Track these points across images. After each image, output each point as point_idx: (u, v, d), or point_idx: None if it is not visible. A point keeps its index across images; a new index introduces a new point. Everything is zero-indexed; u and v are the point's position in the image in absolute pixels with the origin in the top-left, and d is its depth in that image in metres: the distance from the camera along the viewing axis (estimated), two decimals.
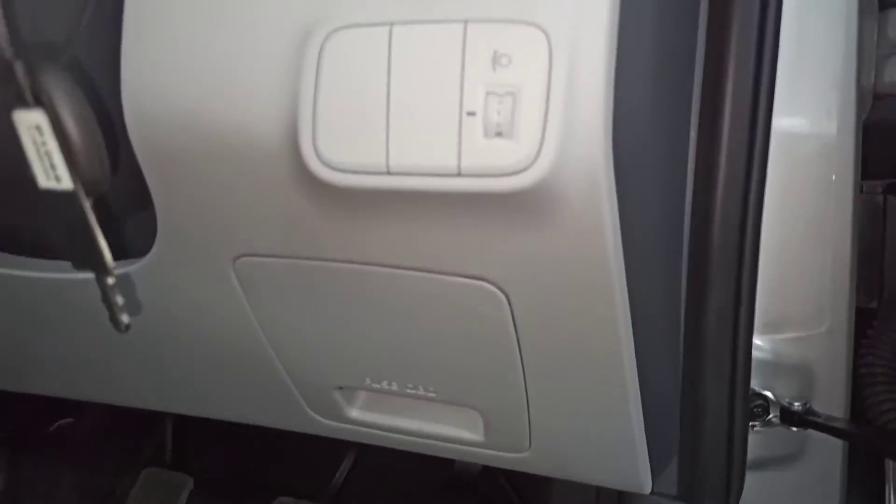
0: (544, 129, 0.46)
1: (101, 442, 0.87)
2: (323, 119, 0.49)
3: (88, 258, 0.50)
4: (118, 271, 0.64)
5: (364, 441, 0.79)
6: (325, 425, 0.78)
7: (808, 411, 0.75)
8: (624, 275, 0.54)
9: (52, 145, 0.45)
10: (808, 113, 0.69)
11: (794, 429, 0.75)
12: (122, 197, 0.61)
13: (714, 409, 0.71)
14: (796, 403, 0.75)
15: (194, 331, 0.69)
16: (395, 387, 0.69)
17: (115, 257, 0.63)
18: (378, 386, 0.70)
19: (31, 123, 0.45)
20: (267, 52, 0.50)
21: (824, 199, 0.71)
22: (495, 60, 0.45)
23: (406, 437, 0.75)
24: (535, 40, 0.45)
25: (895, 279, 0.80)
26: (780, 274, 0.73)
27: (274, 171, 0.53)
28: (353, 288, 0.60)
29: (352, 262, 0.58)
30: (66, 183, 0.46)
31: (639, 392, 0.63)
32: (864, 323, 0.80)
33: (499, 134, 0.46)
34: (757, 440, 0.78)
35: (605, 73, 0.45)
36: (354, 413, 0.76)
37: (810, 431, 0.73)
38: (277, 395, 0.75)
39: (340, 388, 0.73)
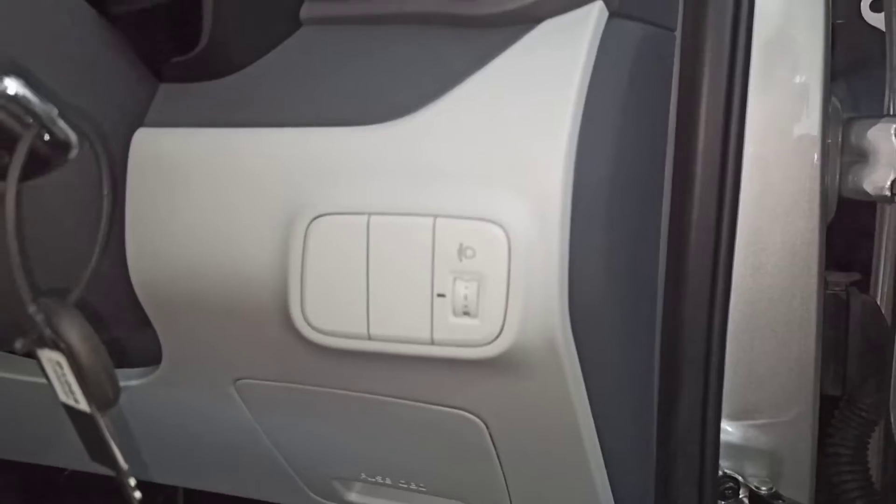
0: (506, 310, 0.52)
1: (111, 489, 0.94)
2: (310, 290, 0.55)
3: (105, 457, 0.57)
4: (134, 382, 0.71)
5: None
6: None
7: (774, 495, 0.80)
8: (588, 409, 0.60)
9: (71, 378, 0.52)
10: (774, 215, 0.73)
11: None
12: (135, 317, 0.68)
13: (685, 491, 0.77)
14: (763, 487, 0.80)
15: (203, 431, 0.76)
16: (388, 481, 0.76)
17: (133, 363, 0.70)
18: (373, 480, 0.76)
19: (52, 359, 0.52)
20: (259, 230, 0.57)
21: (790, 296, 0.75)
22: (461, 252, 0.51)
23: None
24: (495, 236, 0.51)
25: (858, 369, 0.85)
26: (749, 365, 0.78)
27: (267, 323, 0.59)
28: (344, 409, 0.66)
29: (342, 390, 0.64)
30: (83, 406, 0.54)
31: (609, 489, 0.69)
32: (831, 409, 0.84)
33: (466, 313, 0.52)
34: None
35: (559, 261, 0.51)
36: (353, 497, 0.82)
37: None
38: (280, 479, 0.81)
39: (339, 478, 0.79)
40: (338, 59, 0.60)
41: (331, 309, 0.55)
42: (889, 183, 0.74)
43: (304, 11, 0.62)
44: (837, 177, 0.76)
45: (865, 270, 0.88)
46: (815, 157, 0.70)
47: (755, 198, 0.71)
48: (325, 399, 0.66)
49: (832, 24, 0.70)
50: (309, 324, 0.56)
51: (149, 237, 0.60)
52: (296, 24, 0.62)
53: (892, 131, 0.73)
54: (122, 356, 0.72)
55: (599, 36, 0.56)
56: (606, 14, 0.56)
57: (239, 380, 0.67)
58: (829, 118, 0.71)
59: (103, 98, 0.60)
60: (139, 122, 0.61)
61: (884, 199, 0.74)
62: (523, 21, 0.56)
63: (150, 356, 0.71)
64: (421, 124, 0.55)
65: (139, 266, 0.61)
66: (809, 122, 0.69)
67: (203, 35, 0.57)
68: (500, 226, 0.51)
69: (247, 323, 0.60)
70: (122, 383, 0.69)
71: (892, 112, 0.81)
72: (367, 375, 0.61)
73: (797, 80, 0.69)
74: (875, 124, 0.74)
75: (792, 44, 0.68)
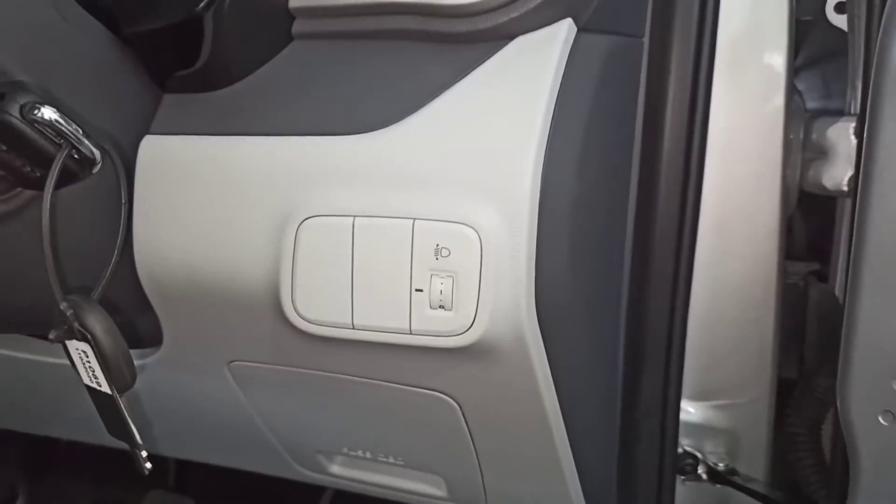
0: (477, 304, 0.57)
1: (108, 456, 0.99)
2: (300, 283, 0.61)
3: (122, 433, 0.63)
4: (136, 362, 0.76)
5: (344, 489, 0.91)
6: (309, 476, 0.90)
7: (731, 471, 0.85)
8: (554, 392, 0.65)
9: (95, 365, 0.59)
10: (737, 208, 0.76)
11: (718, 485, 0.86)
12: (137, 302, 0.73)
13: (646, 466, 0.82)
14: (721, 464, 0.85)
15: (198, 408, 0.81)
16: (368, 455, 0.81)
17: (134, 344, 0.76)
18: (354, 454, 0.82)
19: (78, 348, 0.59)
20: (254, 229, 0.62)
21: (751, 285, 0.79)
22: (437, 251, 0.57)
23: (380, 490, 0.87)
24: (469, 238, 0.56)
25: (814, 354, 0.89)
26: (711, 349, 0.82)
27: (260, 311, 0.64)
28: (329, 389, 0.72)
29: (327, 372, 0.69)
30: (105, 388, 0.60)
31: (573, 464, 0.74)
32: (788, 391, 0.89)
33: (441, 306, 0.58)
34: (688, 493, 0.88)
35: (527, 260, 0.57)
36: (335, 469, 0.88)
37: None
38: (268, 452, 0.87)
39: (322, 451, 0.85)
40: (327, 71, 0.65)
41: (318, 300, 0.61)
42: (846, 179, 0.76)
43: (296, 27, 0.67)
44: (798, 171, 0.79)
45: (826, 260, 0.91)
46: (778, 152, 0.73)
47: (719, 191, 0.74)
48: (311, 380, 0.71)
49: (799, 21, 0.73)
50: (298, 313, 0.61)
51: (154, 234, 0.66)
52: (288, 38, 0.67)
53: (851, 130, 0.76)
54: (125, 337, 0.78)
55: (568, 51, 0.60)
56: (575, 30, 0.61)
57: (232, 362, 0.72)
58: (791, 115, 0.74)
59: (115, 108, 0.66)
60: (146, 129, 0.67)
61: (841, 193, 0.77)
62: (498, 38, 0.61)
63: (149, 337, 0.76)
64: (402, 134, 0.60)
65: (145, 260, 0.67)
66: (772, 119, 0.73)
67: (203, 52, 0.62)
68: (473, 228, 0.56)
69: (241, 312, 0.66)
70: None
71: (852, 111, 0.85)
72: (351, 360, 0.67)
73: (761, 78, 0.72)
74: (835, 123, 0.77)
75: (756, 44, 0.72)
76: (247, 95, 0.65)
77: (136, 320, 0.72)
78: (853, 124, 0.76)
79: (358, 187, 0.59)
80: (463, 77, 0.60)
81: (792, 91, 0.74)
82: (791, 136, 0.75)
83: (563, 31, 0.60)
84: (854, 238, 0.62)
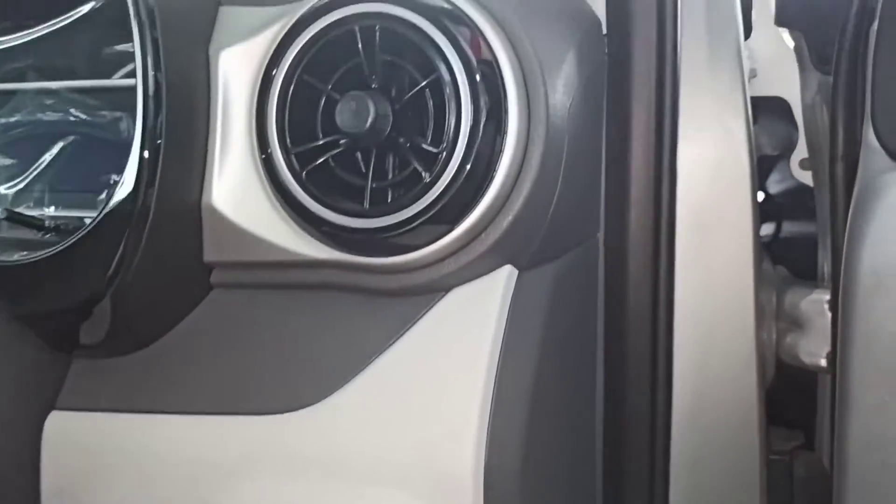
0: None
1: None
2: None
3: None
4: None
5: None
6: None
7: None
8: None
9: None
10: (713, 382, 0.72)
11: None
12: None
13: None
14: None
15: None
16: None
17: None
18: None
19: None
20: None
21: (734, 465, 0.74)
22: None
23: None
24: None
25: None
26: None
27: None
28: None
29: None
30: None
31: None
32: None
33: None
34: None
35: None
36: None
37: None
38: None
39: None
40: (248, 329, 0.60)
41: None
42: (824, 354, 0.73)
43: (215, 277, 0.62)
44: (774, 341, 0.76)
45: (811, 425, 0.87)
46: (750, 323, 0.69)
47: (695, 366, 0.70)
48: None
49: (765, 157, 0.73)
50: None
51: None
52: (207, 288, 0.62)
53: (825, 304, 0.73)
54: None
55: (510, 298, 0.56)
56: (516, 273, 0.56)
57: None
58: (762, 282, 0.71)
59: (14, 386, 0.61)
60: (53, 400, 0.62)
61: (821, 369, 0.74)
62: (433, 291, 0.56)
63: None
64: (329, 416, 0.55)
65: None
66: (743, 287, 0.69)
67: (101, 329, 0.57)
68: None
69: None
70: None
71: (825, 275, 0.81)
72: None
73: (728, 244, 0.69)
74: (808, 295, 0.75)
75: (720, 210, 0.69)
76: (162, 360, 0.60)
77: None
78: (826, 297, 0.72)
79: (279, 479, 0.54)
80: (395, 340, 0.55)
81: (761, 256, 0.70)
82: (763, 304, 0.71)
83: (501, 280, 0.56)
84: (837, 424, 0.58)
